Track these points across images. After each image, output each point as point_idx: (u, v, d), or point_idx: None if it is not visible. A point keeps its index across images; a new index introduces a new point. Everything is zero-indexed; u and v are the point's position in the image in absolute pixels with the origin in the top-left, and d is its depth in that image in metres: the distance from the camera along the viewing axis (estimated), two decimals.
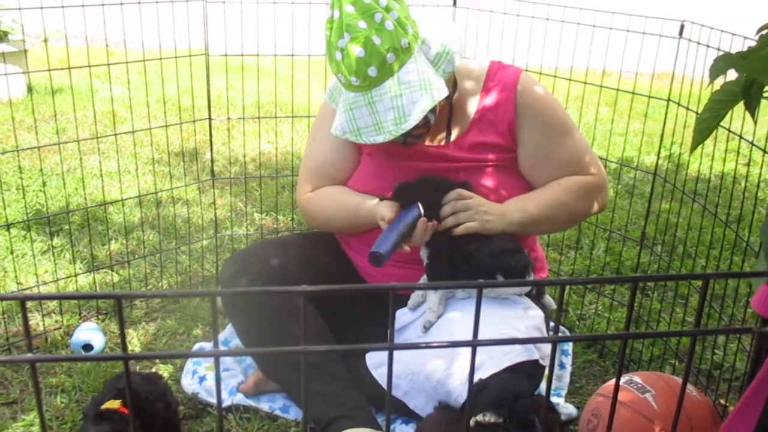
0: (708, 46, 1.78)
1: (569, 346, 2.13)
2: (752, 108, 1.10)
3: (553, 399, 1.89)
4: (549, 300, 1.84)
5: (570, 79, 2.20)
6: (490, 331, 1.61)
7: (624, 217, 2.89)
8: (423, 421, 1.58)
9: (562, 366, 2.03)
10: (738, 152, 3.76)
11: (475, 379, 1.52)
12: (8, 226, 2.55)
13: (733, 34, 1.68)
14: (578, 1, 2.34)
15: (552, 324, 1.98)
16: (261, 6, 2.33)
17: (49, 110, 4.05)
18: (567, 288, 2.45)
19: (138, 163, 3.31)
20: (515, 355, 1.57)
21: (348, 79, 1.58)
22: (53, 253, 2.47)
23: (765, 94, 1.09)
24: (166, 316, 2.24)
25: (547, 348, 1.66)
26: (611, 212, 2.88)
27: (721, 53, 1.65)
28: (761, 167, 3.17)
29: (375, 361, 1.74)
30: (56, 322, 2.15)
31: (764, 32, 1.05)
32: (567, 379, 1.99)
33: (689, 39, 1.87)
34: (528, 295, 1.76)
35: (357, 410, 1.67)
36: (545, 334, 1.76)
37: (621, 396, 1.57)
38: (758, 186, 1.98)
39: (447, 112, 1.76)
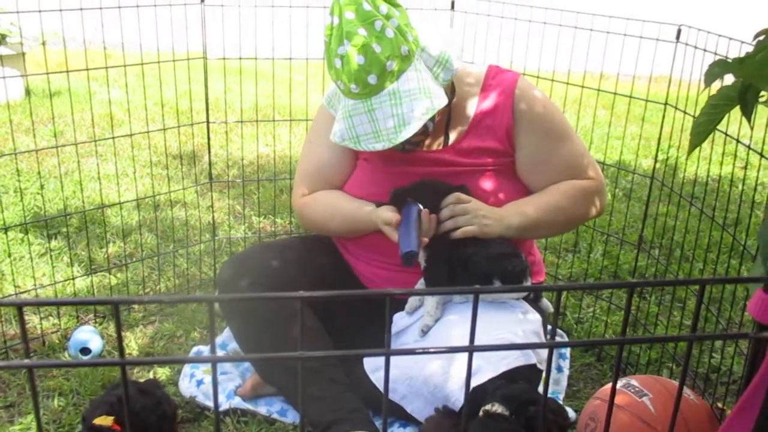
0: (705, 50, 1.78)
1: (567, 350, 2.13)
2: (748, 112, 1.10)
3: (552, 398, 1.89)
4: (546, 303, 1.85)
5: (567, 83, 2.21)
6: (488, 336, 1.61)
7: (621, 221, 2.90)
8: (424, 424, 1.58)
9: (559, 369, 2.03)
10: (735, 155, 3.75)
11: (473, 383, 1.52)
12: (6, 229, 2.55)
13: (730, 39, 1.68)
14: (576, 4, 2.34)
15: (549, 328, 1.99)
16: (259, 9, 2.33)
17: (47, 113, 4.05)
18: (564, 292, 2.46)
19: (136, 166, 3.31)
20: (513, 359, 1.57)
21: (347, 87, 1.58)
22: (51, 256, 2.47)
23: (761, 99, 1.10)
24: (164, 319, 2.24)
25: (545, 352, 1.66)
26: (609, 216, 2.89)
27: (717, 57, 1.66)
28: (758, 170, 3.18)
29: (372, 365, 1.74)
30: (54, 325, 2.15)
31: (761, 38, 1.06)
32: (565, 382, 1.99)
33: (686, 43, 1.87)
34: (525, 298, 1.76)
35: (354, 414, 1.67)
36: (543, 338, 1.77)
37: (618, 399, 1.57)
38: (755, 189, 1.98)
39: (445, 116, 1.76)
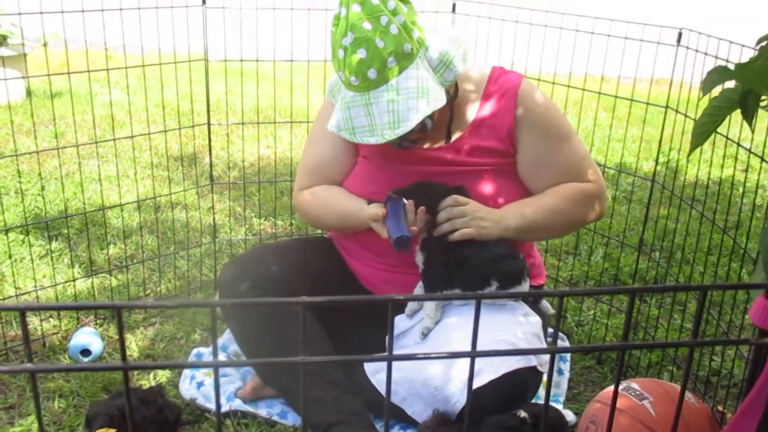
0: (706, 53, 1.78)
1: (567, 353, 2.13)
2: (749, 117, 1.10)
3: (551, 405, 1.89)
4: (546, 305, 1.85)
5: (569, 86, 2.21)
6: (489, 338, 1.61)
7: (622, 223, 2.90)
8: (420, 428, 1.58)
9: (560, 372, 2.03)
10: (736, 158, 3.76)
11: (473, 386, 1.52)
12: (7, 231, 2.55)
13: (731, 42, 1.68)
14: (577, 8, 2.34)
15: (550, 330, 1.98)
16: (260, 12, 2.33)
17: (48, 114, 4.05)
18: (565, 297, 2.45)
19: (137, 167, 3.31)
20: (513, 362, 1.57)
21: (348, 78, 1.59)
22: (52, 258, 2.47)
23: (762, 104, 1.10)
24: (165, 321, 2.24)
25: (545, 354, 1.66)
26: (609, 218, 2.89)
27: (718, 60, 1.66)
28: (759, 174, 3.18)
29: (373, 367, 1.74)
30: (54, 326, 2.15)
31: (764, 44, 1.06)
32: (565, 385, 1.99)
33: (687, 46, 1.87)
34: (525, 300, 1.76)
35: (355, 416, 1.67)
36: (543, 341, 1.77)
37: (619, 403, 1.57)
38: (756, 192, 1.98)
39: (447, 116, 1.76)
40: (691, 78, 1.81)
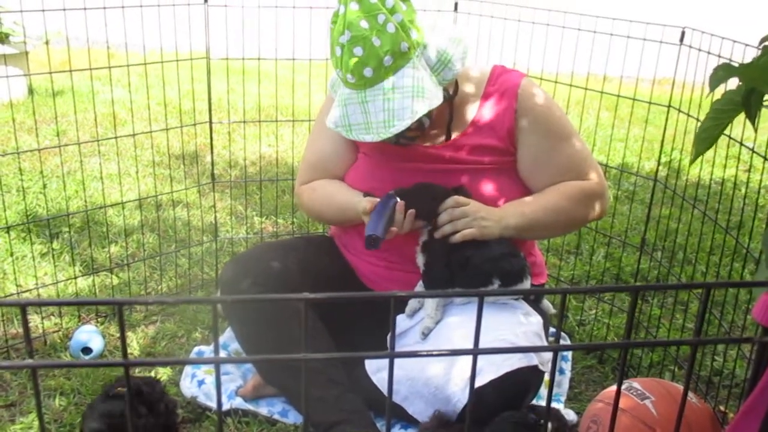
0: (709, 52, 1.78)
1: (569, 352, 2.13)
2: (752, 116, 1.10)
3: (553, 405, 1.89)
4: (547, 304, 1.84)
5: (571, 85, 2.20)
6: (490, 337, 1.61)
7: (624, 223, 2.89)
8: (420, 429, 1.58)
9: (561, 372, 2.03)
10: (738, 159, 3.76)
11: (475, 385, 1.52)
12: (8, 228, 2.55)
13: (734, 41, 1.68)
14: (579, 6, 2.34)
15: (551, 330, 1.98)
16: (262, 10, 2.33)
17: (50, 112, 4.05)
18: (567, 295, 2.45)
19: (138, 165, 3.31)
20: (514, 360, 1.57)
21: (344, 76, 1.60)
22: (53, 256, 2.47)
23: (765, 103, 1.09)
24: (166, 319, 2.24)
25: (546, 353, 1.66)
26: (611, 218, 2.89)
27: (721, 60, 1.66)
28: (762, 174, 3.17)
29: (374, 366, 1.74)
30: (55, 324, 2.15)
31: (767, 43, 1.06)
32: (566, 384, 1.98)
33: (690, 45, 1.87)
34: (526, 299, 1.76)
35: (356, 415, 1.67)
36: (544, 340, 1.76)
37: (620, 402, 1.57)
38: (758, 193, 1.98)
39: (447, 114, 1.76)
40: (694, 77, 1.80)
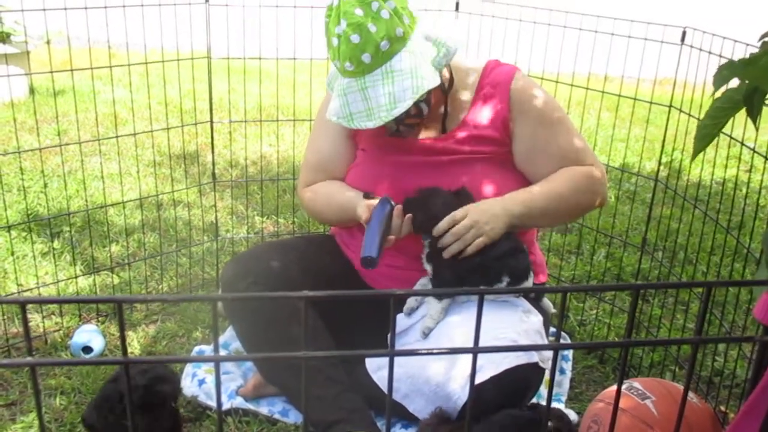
0: (710, 52, 1.78)
1: (569, 352, 2.13)
2: (754, 115, 1.09)
3: (553, 405, 1.89)
4: (547, 303, 1.84)
5: (572, 85, 2.20)
6: (490, 335, 1.61)
7: (625, 223, 2.89)
8: (420, 429, 1.57)
9: (562, 371, 2.02)
10: (739, 159, 3.76)
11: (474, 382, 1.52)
12: (9, 228, 2.55)
13: (735, 41, 1.68)
14: (581, 6, 2.34)
15: (552, 329, 1.98)
16: (263, 9, 2.33)
17: (51, 112, 4.05)
18: (568, 294, 2.45)
19: (139, 165, 3.31)
20: (514, 358, 1.57)
21: (343, 65, 1.61)
22: (54, 255, 2.47)
23: (767, 102, 1.09)
24: (166, 318, 2.24)
25: (546, 351, 1.66)
26: (612, 218, 2.88)
27: (722, 60, 1.65)
28: (762, 174, 3.17)
29: (374, 364, 1.74)
30: (56, 323, 2.15)
31: (766, 39, 1.05)
32: (567, 384, 1.98)
33: (691, 45, 1.87)
34: (526, 297, 1.75)
35: (356, 413, 1.67)
36: (545, 338, 1.76)
37: (621, 402, 1.57)
38: (759, 193, 1.98)
39: (441, 105, 1.77)
40: (695, 77, 1.80)
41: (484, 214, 1.66)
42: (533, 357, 1.60)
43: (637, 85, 2.09)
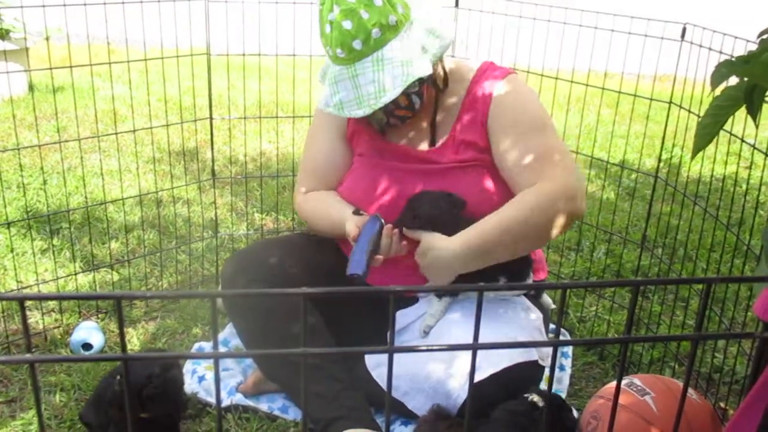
0: (710, 49, 1.77)
1: (569, 349, 2.13)
2: (754, 112, 1.09)
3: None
4: (547, 300, 1.84)
5: (572, 81, 2.20)
6: (490, 333, 1.61)
7: (625, 220, 2.89)
8: (419, 425, 1.57)
9: (561, 368, 2.02)
10: (739, 155, 3.76)
11: (475, 379, 1.52)
12: (8, 225, 2.55)
13: (735, 37, 1.67)
14: (580, 3, 2.34)
15: (552, 326, 1.98)
16: (263, 6, 2.32)
17: (50, 108, 4.05)
18: (568, 290, 2.45)
19: (139, 162, 3.31)
20: (514, 355, 1.58)
21: (334, 51, 1.61)
22: (53, 252, 2.47)
23: (767, 99, 1.09)
24: (166, 315, 2.24)
25: (546, 348, 1.66)
26: (612, 214, 2.88)
27: (722, 56, 1.65)
28: (762, 170, 3.17)
29: (374, 361, 1.74)
30: (56, 320, 2.15)
31: (764, 36, 1.05)
32: (567, 381, 1.98)
33: (691, 42, 1.86)
34: (526, 294, 1.75)
35: (356, 411, 1.67)
36: (545, 335, 1.76)
37: (621, 398, 1.57)
38: (759, 189, 1.98)
39: (432, 110, 1.76)
40: (695, 74, 1.80)
41: (437, 261, 1.63)
42: (533, 354, 1.60)
43: (637, 81, 2.09)
